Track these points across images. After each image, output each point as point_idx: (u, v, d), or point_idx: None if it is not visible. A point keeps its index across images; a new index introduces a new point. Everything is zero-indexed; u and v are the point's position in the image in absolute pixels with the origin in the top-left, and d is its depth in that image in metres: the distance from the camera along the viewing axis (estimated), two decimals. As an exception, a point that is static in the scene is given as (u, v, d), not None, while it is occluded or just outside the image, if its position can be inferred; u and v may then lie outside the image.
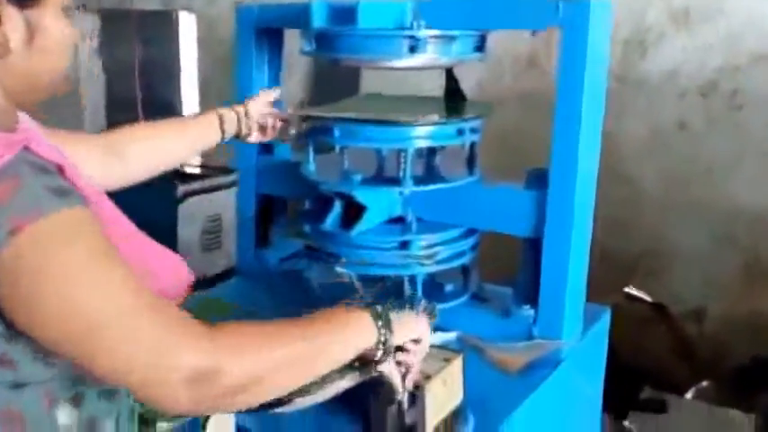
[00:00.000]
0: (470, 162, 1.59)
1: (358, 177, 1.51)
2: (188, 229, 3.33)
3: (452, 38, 1.47)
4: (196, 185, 3.37)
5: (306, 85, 3.52)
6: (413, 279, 1.54)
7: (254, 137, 1.53)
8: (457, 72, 1.69)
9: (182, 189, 3.29)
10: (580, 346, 1.51)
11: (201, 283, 3.16)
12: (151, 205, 3.29)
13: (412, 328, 1.08)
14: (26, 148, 0.83)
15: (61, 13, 0.91)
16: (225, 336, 0.84)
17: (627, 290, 2.74)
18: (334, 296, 1.49)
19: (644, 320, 2.72)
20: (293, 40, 1.66)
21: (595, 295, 1.61)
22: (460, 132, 1.51)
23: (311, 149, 1.57)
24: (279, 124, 1.55)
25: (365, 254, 1.52)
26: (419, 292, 1.53)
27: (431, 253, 1.53)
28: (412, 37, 1.42)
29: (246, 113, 1.49)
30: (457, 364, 1.21)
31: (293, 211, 1.91)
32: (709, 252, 2.78)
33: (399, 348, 1.08)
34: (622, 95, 2.77)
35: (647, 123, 2.85)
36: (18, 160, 0.81)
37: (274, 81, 1.79)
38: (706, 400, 2.46)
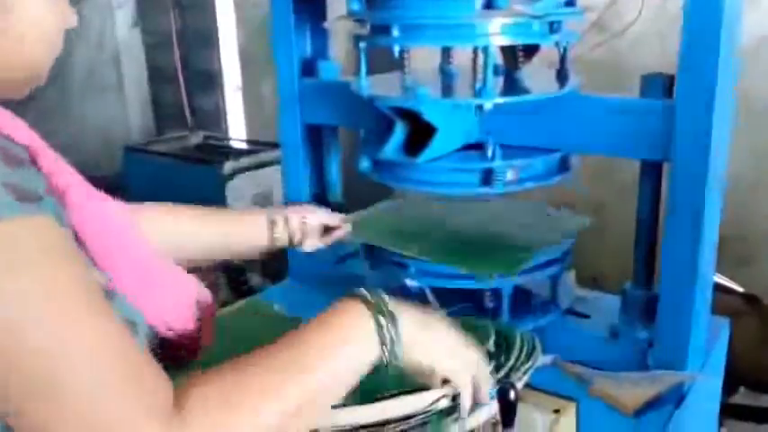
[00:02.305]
0: (561, 73, 1.28)
1: (425, 90, 1.18)
2: (237, 208, 3.17)
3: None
4: (244, 162, 3.22)
5: (350, 51, 3.24)
6: (497, 292, 1.28)
7: (308, 245, 1.35)
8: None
9: (229, 166, 3.15)
10: (704, 374, 1.24)
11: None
12: (198, 184, 3.16)
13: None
14: None
15: None
16: (200, 414, 0.64)
17: (714, 279, 2.49)
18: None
19: (734, 313, 2.44)
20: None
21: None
22: (553, 29, 1.18)
23: (363, 64, 1.27)
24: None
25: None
26: (506, 309, 1.26)
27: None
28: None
29: (287, 221, 1.31)
30: (570, 416, 0.95)
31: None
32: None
33: None
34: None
35: (736, 93, 2.53)
36: None
37: (320, 54, 1.53)
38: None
